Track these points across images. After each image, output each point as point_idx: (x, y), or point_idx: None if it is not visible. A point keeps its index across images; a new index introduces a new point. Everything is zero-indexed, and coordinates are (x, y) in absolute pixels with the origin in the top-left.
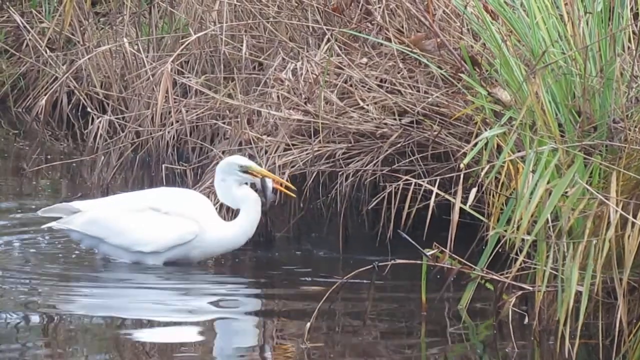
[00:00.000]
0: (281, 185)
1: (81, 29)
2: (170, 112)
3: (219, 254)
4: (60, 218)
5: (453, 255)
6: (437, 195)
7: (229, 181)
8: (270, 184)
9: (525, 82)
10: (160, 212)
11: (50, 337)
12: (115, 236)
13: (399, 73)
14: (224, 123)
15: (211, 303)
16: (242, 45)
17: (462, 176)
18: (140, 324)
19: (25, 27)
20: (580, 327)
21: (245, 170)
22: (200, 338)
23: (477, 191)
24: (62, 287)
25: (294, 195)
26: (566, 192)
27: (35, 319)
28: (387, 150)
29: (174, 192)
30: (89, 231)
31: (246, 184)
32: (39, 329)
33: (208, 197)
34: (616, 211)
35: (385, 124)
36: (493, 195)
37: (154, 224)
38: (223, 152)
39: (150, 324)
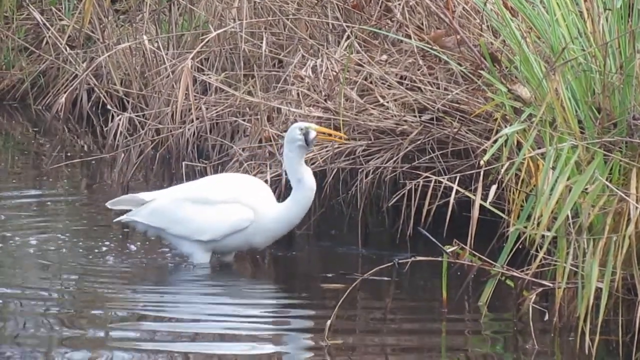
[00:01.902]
0: (330, 135)
1: (101, 26)
2: (190, 110)
3: (280, 236)
4: (127, 210)
5: (473, 252)
6: (457, 192)
7: (294, 151)
8: (313, 133)
9: (545, 78)
10: (217, 201)
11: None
12: (175, 226)
13: (418, 70)
14: (244, 120)
15: (231, 299)
16: (262, 43)
17: (482, 173)
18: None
19: (45, 24)
20: (601, 323)
21: (306, 132)
22: (218, 337)
23: (497, 188)
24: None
25: (341, 140)
26: (586, 189)
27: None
28: (407, 147)
29: (231, 179)
30: (152, 222)
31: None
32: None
33: None
34: (636, 207)
35: (405, 121)
36: (513, 192)
37: (211, 213)
38: (243, 150)
39: (172, 321)
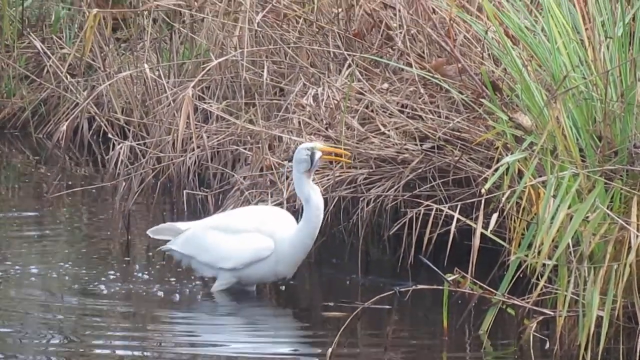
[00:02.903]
0: (335, 155)
1: (102, 54)
2: (191, 138)
3: (300, 260)
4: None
5: (474, 280)
6: (458, 220)
7: (301, 171)
8: (318, 155)
9: (546, 107)
10: (239, 230)
11: None
12: (203, 253)
13: (420, 98)
14: (245, 149)
15: (232, 326)
16: (263, 71)
17: (483, 201)
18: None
19: (45, 53)
20: (602, 351)
21: (311, 152)
22: None
23: (498, 216)
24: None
25: (347, 160)
26: (587, 217)
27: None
28: (408, 176)
29: (256, 210)
30: (185, 250)
31: (314, 181)
32: None
33: None
34: (637, 236)
35: (407, 149)
36: (514, 221)
37: (233, 242)
38: (244, 178)
39: (172, 346)
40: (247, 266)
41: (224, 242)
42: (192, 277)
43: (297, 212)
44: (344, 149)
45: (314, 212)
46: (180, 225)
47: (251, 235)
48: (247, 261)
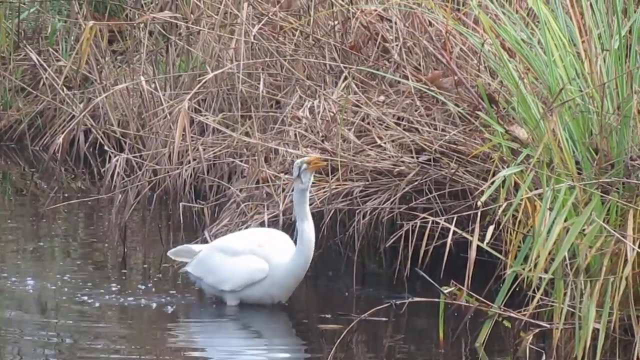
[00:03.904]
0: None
1: (98, 67)
2: (187, 151)
3: (294, 287)
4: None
5: (470, 292)
6: (455, 233)
7: (296, 193)
8: (303, 167)
9: (543, 119)
10: (237, 252)
11: None
12: (208, 275)
13: (416, 111)
14: (241, 161)
15: (227, 338)
16: (259, 83)
17: (479, 214)
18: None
19: (42, 65)
20: None
21: (301, 165)
22: None
23: (495, 229)
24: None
25: (323, 163)
26: (583, 230)
27: None
28: (404, 188)
29: (256, 233)
30: (195, 272)
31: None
32: None
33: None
34: (633, 249)
35: (403, 161)
36: (510, 233)
37: (231, 264)
38: (240, 190)
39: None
40: (245, 288)
41: (223, 265)
42: (189, 289)
43: (294, 224)
44: (340, 161)
45: (306, 244)
46: (195, 247)
47: (247, 258)
48: (242, 283)
